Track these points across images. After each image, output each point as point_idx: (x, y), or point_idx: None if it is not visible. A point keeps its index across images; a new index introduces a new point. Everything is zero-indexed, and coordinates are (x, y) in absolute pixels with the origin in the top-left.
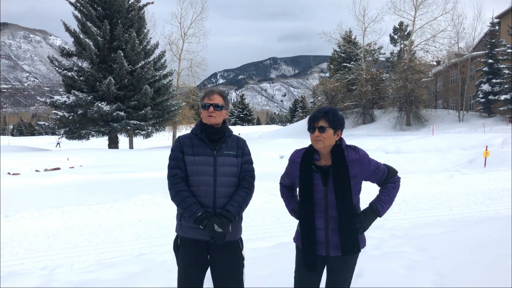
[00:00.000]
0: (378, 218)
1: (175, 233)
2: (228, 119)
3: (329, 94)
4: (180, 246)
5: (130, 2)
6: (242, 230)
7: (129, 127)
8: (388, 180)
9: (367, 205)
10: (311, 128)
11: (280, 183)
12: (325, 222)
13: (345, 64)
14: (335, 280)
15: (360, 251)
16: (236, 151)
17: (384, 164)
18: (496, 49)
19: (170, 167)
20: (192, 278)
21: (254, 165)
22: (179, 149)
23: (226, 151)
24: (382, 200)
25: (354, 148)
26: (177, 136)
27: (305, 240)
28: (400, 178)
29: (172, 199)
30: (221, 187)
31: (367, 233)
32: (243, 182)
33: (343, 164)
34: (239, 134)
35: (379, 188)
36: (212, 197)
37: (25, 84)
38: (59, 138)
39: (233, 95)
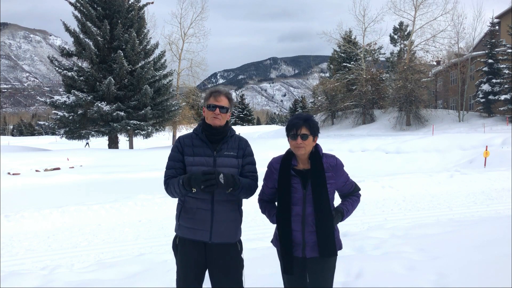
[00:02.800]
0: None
1: (175, 233)
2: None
3: (329, 94)
4: (179, 246)
5: (130, 2)
6: (241, 232)
7: (129, 127)
8: (353, 193)
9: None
10: (293, 135)
11: (260, 200)
12: (301, 224)
13: (345, 64)
14: (315, 282)
15: (337, 254)
16: (236, 152)
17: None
18: (496, 49)
19: (166, 167)
20: (190, 279)
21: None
22: (178, 149)
23: (226, 152)
24: (347, 206)
25: (332, 156)
26: (177, 136)
27: (282, 242)
28: (360, 195)
29: (168, 192)
30: (220, 188)
31: (366, 233)
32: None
33: (321, 168)
34: (239, 134)
35: (342, 199)
36: (210, 199)
37: (25, 84)
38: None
39: (233, 95)
